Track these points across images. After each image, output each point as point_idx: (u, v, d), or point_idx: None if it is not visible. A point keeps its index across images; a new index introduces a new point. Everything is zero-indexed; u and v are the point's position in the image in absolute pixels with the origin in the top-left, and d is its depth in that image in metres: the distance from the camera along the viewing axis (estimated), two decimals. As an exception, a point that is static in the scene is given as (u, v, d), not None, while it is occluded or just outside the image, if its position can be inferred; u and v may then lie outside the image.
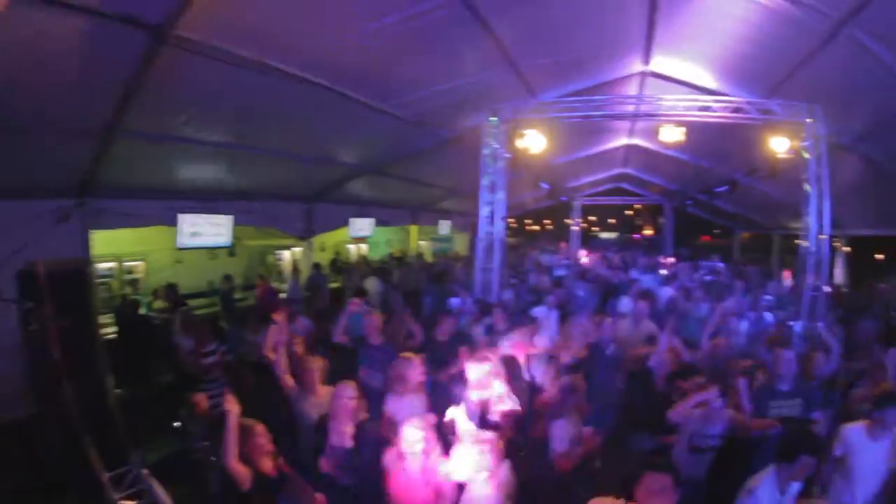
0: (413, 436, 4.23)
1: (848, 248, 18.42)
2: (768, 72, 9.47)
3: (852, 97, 9.24)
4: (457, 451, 3.91)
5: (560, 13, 7.96)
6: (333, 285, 16.62)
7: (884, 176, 11.41)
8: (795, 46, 8.13)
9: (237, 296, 15.04)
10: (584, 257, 21.78)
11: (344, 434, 4.88)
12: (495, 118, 10.63)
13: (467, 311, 9.56)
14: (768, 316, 10.11)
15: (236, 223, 11.51)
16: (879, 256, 31.08)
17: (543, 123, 10.44)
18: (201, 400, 6.37)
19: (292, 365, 6.20)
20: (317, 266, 15.38)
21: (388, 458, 4.47)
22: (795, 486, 4.20)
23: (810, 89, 9.35)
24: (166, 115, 7.56)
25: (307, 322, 9.17)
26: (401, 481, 4.31)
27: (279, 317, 6.93)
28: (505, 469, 4.27)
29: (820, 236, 10.07)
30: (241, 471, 4.20)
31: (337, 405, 4.97)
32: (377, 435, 4.95)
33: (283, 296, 14.62)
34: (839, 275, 17.78)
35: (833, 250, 12.05)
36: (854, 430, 4.93)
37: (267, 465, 4.46)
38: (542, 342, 8.43)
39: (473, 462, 3.83)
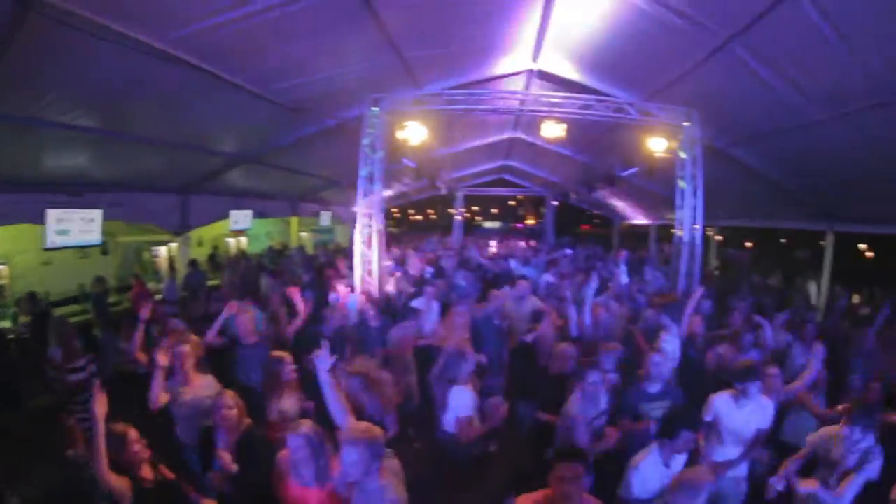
0: (296, 441, 4.02)
1: (720, 237, 19.81)
2: (652, 77, 10.00)
3: (728, 107, 10.03)
4: (345, 447, 3.75)
5: (451, 5, 7.90)
6: (212, 283, 15.58)
7: (753, 176, 12.55)
8: (680, 56, 8.65)
9: (111, 299, 13.66)
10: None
11: (228, 445, 4.66)
12: (377, 108, 10.38)
13: (350, 304, 9.35)
14: (640, 298, 10.55)
15: (107, 218, 10.43)
16: (749, 244, 34.31)
17: (426, 115, 10.38)
18: (71, 424, 5.72)
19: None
20: (194, 263, 14.47)
21: (277, 464, 4.25)
22: (680, 459, 4.61)
23: (690, 96, 10.04)
24: (30, 95, 6.73)
25: (181, 325, 8.48)
26: (292, 486, 4.10)
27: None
28: (393, 459, 4.15)
29: (693, 226, 11.01)
30: (116, 482, 3.87)
31: (217, 417, 4.72)
32: (264, 442, 4.75)
33: (158, 297, 13.45)
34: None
35: (706, 239, 12.85)
36: (721, 399, 5.55)
37: (147, 472, 4.20)
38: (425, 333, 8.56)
39: (362, 457, 3.68)
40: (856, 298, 14.84)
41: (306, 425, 4.11)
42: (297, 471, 4.07)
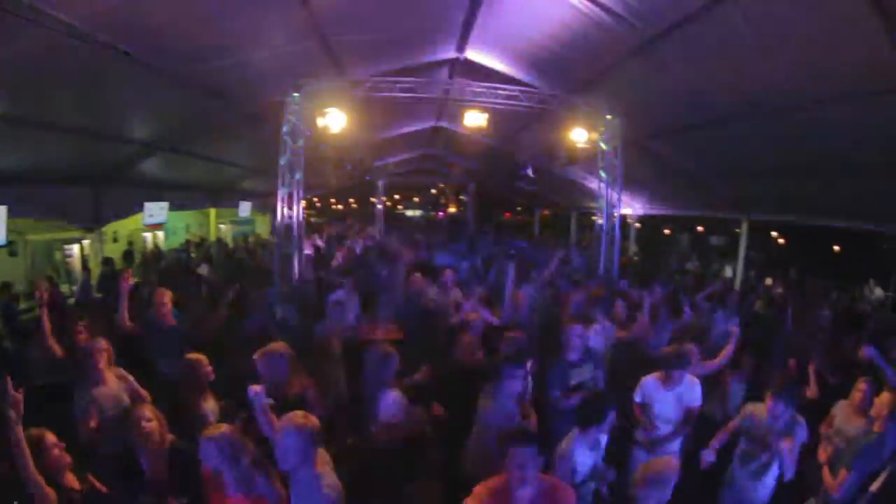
0: (208, 447, 3.87)
1: (639, 225, 20.52)
2: (577, 70, 10.27)
3: (650, 102, 10.51)
4: (280, 435, 3.67)
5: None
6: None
7: (672, 168, 13.29)
8: (606, 52, 8.94)
9: (22, 305, 12.35)
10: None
11: (155, 462, 4.34)
12: (298, 94, 10.20)
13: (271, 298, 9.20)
14: (564, 283, 10.98)
15: (13, 215, 9.67)
16: (667, 231, 35.64)
17: (349, 102, 10.28)
18: None
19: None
20: (108, 262, 13.39)
21: (203, 474, 4.10)
22: (603, 439, 4.80)
23: (613, 90, 10.44)
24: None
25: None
26: (216, 497, 3.97)
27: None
28: (322, 452, 4.10)
29: (613, 215, 11.54)
30: (44, 492, 3.67)
31: (136, 433, 4.35)
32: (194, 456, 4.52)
33: (71, 300, 12.74)
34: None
35: (625, 226, 13.30)
36: (650, 381, 5.92)
37: (71, 481, 4.01)
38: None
39: (297, 444, 3.61)
40: (769, 282, 15.63)
41: (219, 430, 3.98)
42: (219, 479, 3.97)
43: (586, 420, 4.65)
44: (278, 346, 5.59)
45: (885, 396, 5.32)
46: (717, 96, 8.73)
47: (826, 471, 5.39)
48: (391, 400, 5.27)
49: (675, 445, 5.84)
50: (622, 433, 5.54)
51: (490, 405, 5.35)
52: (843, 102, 7.44)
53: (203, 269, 14.49)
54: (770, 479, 5.28)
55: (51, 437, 4.03)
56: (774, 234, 35.21)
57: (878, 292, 15.94)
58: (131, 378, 5.72)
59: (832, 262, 28.61)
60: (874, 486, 5.02)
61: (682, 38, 7.50)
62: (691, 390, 5.81)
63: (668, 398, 5.78)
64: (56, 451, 4.00)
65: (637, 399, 5.96)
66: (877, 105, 7.13)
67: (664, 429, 5.80)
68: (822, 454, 5.77)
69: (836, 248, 32.28)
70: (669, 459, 4.23)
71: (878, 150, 8.33)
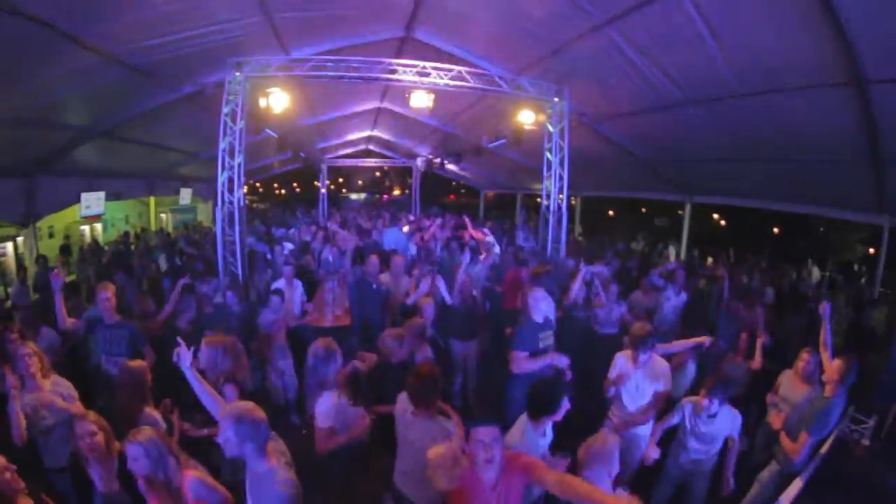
0: (133, 450, 3.72)
1: (581, 206, 21.25)
2: (525, 52, 10.45)
3: (599, 86, 10.75)
4: (221, 423, 3.60)
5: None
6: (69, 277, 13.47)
7: (618, 151, 13.68)
8: (556, 35, 9.14)
9: None
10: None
11: (106, 476, 4.16)
12: (239, 73, 9.91)
13: (210, 290, 9.02)
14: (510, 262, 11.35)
15: None
16: (611, 213, 36.58)
17: (292, 81, 10.17)
18: None
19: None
20: (43, 259, 12.61)
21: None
22: (550, 424, 4.76)
23: (561, 72, 10.62)
24: None
25: (52, 333, 7.10)
26: (152, 501, 3.86)
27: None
28: (278, 441, 4.07)
29: (559, 196, 11.74)
30: None
31: (80, 446, 4.14)
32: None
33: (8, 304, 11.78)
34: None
35: (570, 208, 13.54)
36: (622, 358, 6.12)
37: None
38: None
39: (236, 434, 3.55)
40: (709, 261, 16.09)
41: (145, 433, 3.87)
42: (155, 485, 3.85)
43: (538, 411, 4.62)
44: (217, 337, 5.53)
45: (836, 363, 5.62)
46: (665, 81, 8.97)
47: (784, 437, 5.73)
48: (325, 405, 5.12)
49: (647, 428, 5.93)
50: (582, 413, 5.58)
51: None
52: (786, 92, 7.78)
53: (162, 262, 14.01)
54: (707, 468, 5.60)
55: (1, 460, 3.79)
56: (716, 216, 36.34)
57: (816, 273, 16.54)
58: (68, 384, 5.46)
59: (771, 244, 29.62)
60: (824, 450, 5.32)
61: (632, 24, 7.74)
62: (662, 372, 5.97)
63: (637, 377, 5.92)
64: (7, 475, 3.75)
65: (611, 375, 6.10)
66: (818, 97, 7.46)
67: (632, 408, 5.95)
68: (777, 421, 6.16)
69: (776, 230, 33.44)
70: (605, 433, 4.30)
71: (817, 140, 8.74)
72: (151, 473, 3.73)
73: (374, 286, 8.83)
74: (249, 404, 3.63)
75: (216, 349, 5.58)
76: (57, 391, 5.29)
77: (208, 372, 5.41)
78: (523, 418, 4.69)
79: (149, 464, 3.71)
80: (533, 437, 4.55)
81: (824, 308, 6.31)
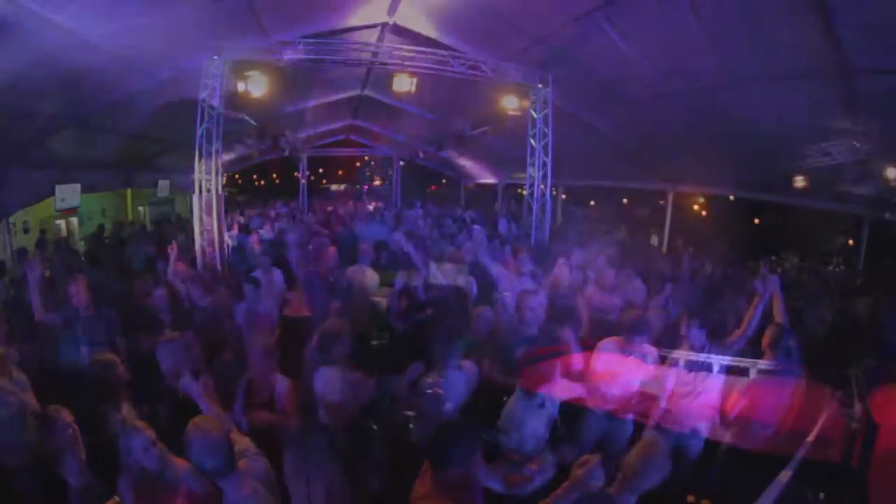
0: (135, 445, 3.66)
1: (564, 196, 21.02)
2: (510, 38, 10.38)
3: (583, 73, 10.78)
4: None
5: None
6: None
7: (601, 139, 13.61)
8: (542, 20, 9.14)
9: None
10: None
11: (80, 472, 3.91)
12: (217, 57, 9.80)
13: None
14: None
15: None
16: (592, 203, 37.07)
17: (272, 66, 10.02)
18: None
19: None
20: (22, 252, 12.21)
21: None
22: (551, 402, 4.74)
23: (546, 59, 10.61)
24: None
25: None
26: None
27: None
28: (261, 461, 3.97)
29: (541, 185, 11.78)
30: None
31: (56, 442, 3.88)
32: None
33: None
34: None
35: (552, 197, 13.54)
36: (609, 344, 5.88)
37: None
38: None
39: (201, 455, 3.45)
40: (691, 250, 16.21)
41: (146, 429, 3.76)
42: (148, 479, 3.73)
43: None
44: (174, 334, 5.46)
45: (768, 329, 5.61)
46: (652, 70, 8.95)
47: None
48: (335, 379, 5.04)
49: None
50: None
51: None
52: (771, 83, 7.77)
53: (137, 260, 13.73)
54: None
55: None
56: (696, 206, 36.57)
57: (795, 262, 16.73)
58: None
59: (752, 234, 29.83)
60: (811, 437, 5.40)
61: (619, 12, 7.73)
62: (651, 358, 5.89)
63: (627, 363, 5.79)
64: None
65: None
66: (802, 88, 7.49)
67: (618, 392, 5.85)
68: None
69: (756, 220, 33.68)
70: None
71: (799, 131, 8.77)
72: (148, 466, 3.61)
73: (330, 279, 8.47)
74: (212, 425, 3.48)
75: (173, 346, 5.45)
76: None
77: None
78: (518, 393, 4.71)
79: (147, 456, 3.59)
80: (529, 414, 4.54)
81: (774, 280, 6.19)
